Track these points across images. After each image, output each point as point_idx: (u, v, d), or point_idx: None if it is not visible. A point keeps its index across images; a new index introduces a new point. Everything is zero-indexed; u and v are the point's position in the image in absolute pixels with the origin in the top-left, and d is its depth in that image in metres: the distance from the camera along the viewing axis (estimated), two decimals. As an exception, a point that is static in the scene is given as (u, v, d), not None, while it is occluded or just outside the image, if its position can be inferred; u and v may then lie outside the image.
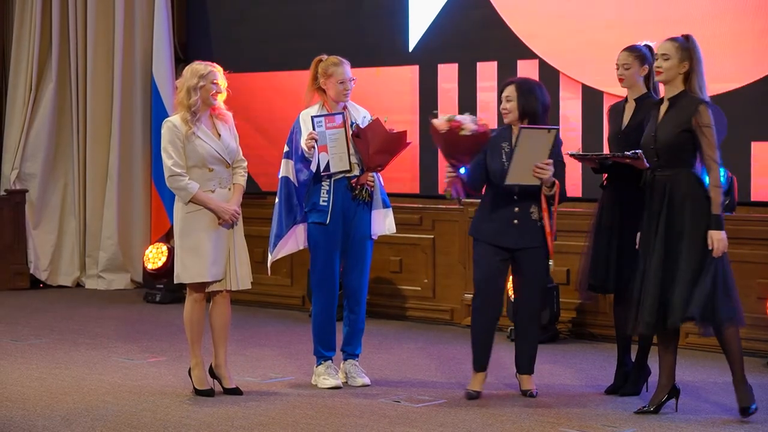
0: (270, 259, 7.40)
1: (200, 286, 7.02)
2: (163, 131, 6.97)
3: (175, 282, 7.11)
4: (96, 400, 6.97)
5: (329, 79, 7.27)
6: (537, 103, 6.87)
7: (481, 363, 7.04)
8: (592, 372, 7.77)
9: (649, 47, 7.04)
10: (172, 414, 6.62)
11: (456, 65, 9.97)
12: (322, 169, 7.17)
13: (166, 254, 11.18)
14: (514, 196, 6.86)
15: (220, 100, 7.02)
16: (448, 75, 10.02)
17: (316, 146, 7.12)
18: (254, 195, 10.07)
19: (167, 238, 11.70)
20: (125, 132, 12.06)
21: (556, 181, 6.76)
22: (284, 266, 10.43)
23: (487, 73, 9.78)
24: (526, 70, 9.50)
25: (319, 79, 7.31)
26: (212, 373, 7.13)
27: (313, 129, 7.14)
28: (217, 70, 7.02)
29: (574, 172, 9.21)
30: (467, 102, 9.80)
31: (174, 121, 6.95)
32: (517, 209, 6.87)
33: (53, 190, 12.44)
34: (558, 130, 6.80)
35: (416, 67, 10.23)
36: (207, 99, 6.94)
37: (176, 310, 10.73)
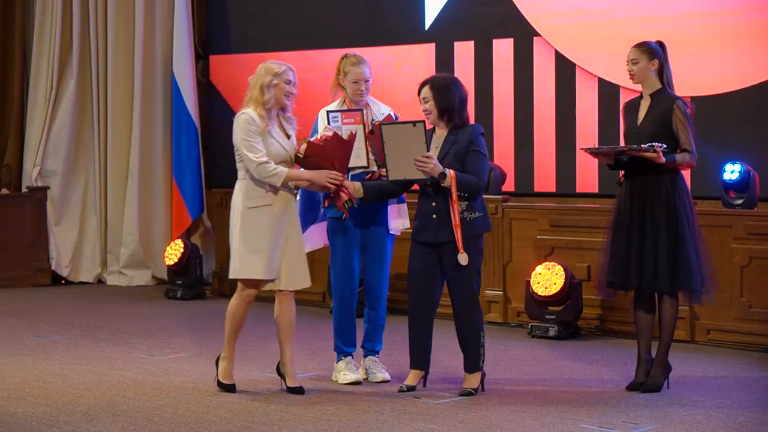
0: None
1: (255, 284, 6.96)
2: (239, 123, 6.85)
3: (230, 277, 7.01)
4: (117, 396, 6.99)
5: (346, 77, 7.27)
6: (454, 98, 6.89)
7: (415, 360, 7.06)
8: (614, 368, 7.74)
9: (660, 43, 7.03)
10: (192, 410, 6.63)
11: (472, 43, 9.94)
12: None
13: (182, 250, 11.19)
14: (430, 191, 6.86)
15: (292, 101, 6.99)
16: (464, 53, 9.98)
17: None
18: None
19: (188, 234, 11.72)
20: (146, 129, 12.08)
21: (450, 173, 6.72)
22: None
23: (503, 50, 9.75)
24: (542, 47, 9.53)
25: (339, 75, 7.30)
26: (278, 371, 7.12)
27: (329, 124, 7.13)
28: (291, 69, 6.96)
29: (590, 168, 9.20)
30: (483, 80, 9.86)
31: (251, 114, 6.85)
32: (434, 204, 6.86)
33: (74, 187, 12.48)
34: (423, 123, 6.78)
35: (432, 45, 10.21)
36: (280, 98, 6.89)
37: (197, 306, 10.77)
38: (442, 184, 6.75)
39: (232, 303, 7.03)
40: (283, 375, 7.08)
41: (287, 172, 6.81)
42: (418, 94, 6.97)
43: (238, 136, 6.85)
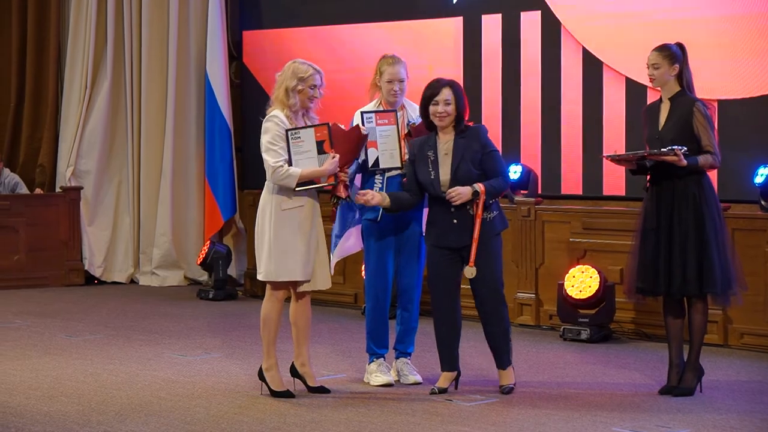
0: (332, 259, 7.40)
1: (285, 286, 6.96)
2: (267, 126, 6.87)
3: (264, 279, 6.99)
4: (150, 396, 7.01)
5: (381, 77, 7.26)
6: (465, 102, 6.96)
7: (446, 363, 7.07)
8: (646, 372, 7.71)
9: (681, 46, 6.98)
10: (225, 410, 6.64)
11: (499, 15, 9.92)
12: (370, 164, 7.16)
13: (206, 249, 11.26)
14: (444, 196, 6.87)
15: (316, 103, 6.99)
16: (491, 26, 9.96)
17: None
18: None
19: (221, 235, 11.76)
20: (179, 130, 12.13)
21: (480, 188, 6.77)
22: (337, 264, 10.39)
23: (530, 23, 9.73)
24: (570, 45, 9.54)
25: (376, 75, 7.30)
26: (295, 373, 7.07)
27: (362, 124, 7.15)
28: (318, 72, 6.93)
29: (617, 170, 9.15)
30: (510, 54, 9.86)
31: (279, 116, 6.86)
32: (453, 209, 6.86)
33: (108, 187, 12.54)
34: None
35: (460, 19, 10.19)
36: (305, 102, 6.90)
37: (229, 307, 10.80)
38: (477, 201, 6.80)
39: (266, 307, 7.00)
40: (303, 376, 7.06)
41: (299, 171, 6.79)
42: (436, 95, 6.89)
43: (264, 138, 6.87)
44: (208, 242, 11.39)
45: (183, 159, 12.17)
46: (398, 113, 7.22)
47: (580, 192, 9.51)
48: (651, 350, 8.44)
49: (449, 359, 7.07)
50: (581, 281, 8.88)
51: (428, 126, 6.98)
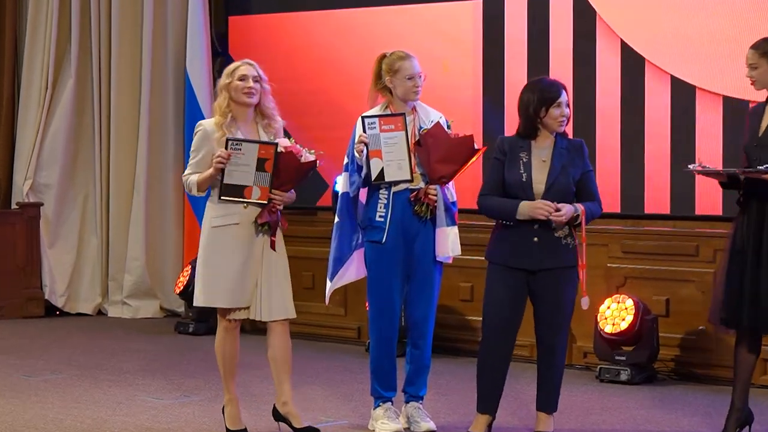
0: (329, 287, 7.38)
1: (230, 313, 7.00)
2: (194, 136, 7.08)
3: (194, 305, 7.10)
4: (120, 446, 7.00)
5: (395, 75, 7.21)
6: None
7: (485, 404, 7.02)
8: (696, 418, 7.71)
9: None
10: (207, 463, 6.64)
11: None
12: (373, 177, 7.12)
13: (188, 274, 11.23)
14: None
15: (266, 101, 6.99)
16: (515, 12, 9.93)
17: (366, 150, 7.07)
18: (301, 210, 10.00)
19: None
20: (155, 137, 12.17)
21: (581, 210, 6.78)
22: (337, 293, 10.23)
23: (561, 9, 9.71)
24: (606, 38, 9.54)
25: (383, 77, 7.25)
26: (277, 415, 7.07)
27: (364, 131, 7.10)
28: (250, 64, 7.00)
29: (661, 185, 9.13)
30: (538, 44, 9.83)
31: (206, 124, 7.03)
32: (536, 226, 6.81)
33: (72, 204, 12.58)
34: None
35: (479, 3, 10.15)
36: (239, 98, 6.94)
37: (211, 342, 10.69)
38: (574, 224, 6.83)
39: (216, 338, 7.11)
40: (286, 417, 7.05)
41: (195, 179, 6.92)
42: (558, 97, 6.85)
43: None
44: (188, 267, 11.37)
45: (159, 171, 12.20)
46: (407, 117, 7.19)
47: (618, 210, 9.45)
48: (701, 393, 8.45)
49: (492, 400, 7.00)
50: (615, 313, 8.84)
51: (528, 130, 6.90)
